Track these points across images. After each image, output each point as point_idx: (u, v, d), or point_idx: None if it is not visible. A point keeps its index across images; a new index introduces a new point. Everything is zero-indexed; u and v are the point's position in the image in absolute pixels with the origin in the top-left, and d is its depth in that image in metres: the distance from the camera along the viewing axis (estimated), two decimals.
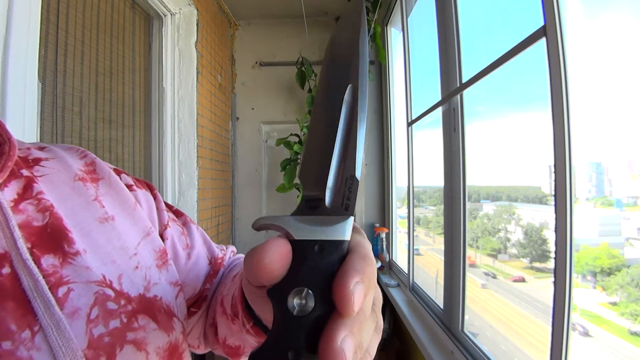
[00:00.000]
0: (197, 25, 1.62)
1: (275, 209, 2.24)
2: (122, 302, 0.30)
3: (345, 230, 0.17)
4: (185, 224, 0.44)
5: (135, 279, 0.32)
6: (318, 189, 0.19)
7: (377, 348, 0.23)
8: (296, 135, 1.92)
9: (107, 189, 0.35)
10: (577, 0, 0.68)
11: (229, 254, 0.48)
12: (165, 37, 1.54)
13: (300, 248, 0.17)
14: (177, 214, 0.45)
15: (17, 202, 0.28)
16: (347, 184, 0.18)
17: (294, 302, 0.16)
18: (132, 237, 0.34)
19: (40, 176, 0.31)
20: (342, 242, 0.17)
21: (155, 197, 0.41)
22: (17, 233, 0.26)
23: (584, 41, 0.67)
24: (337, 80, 0.20)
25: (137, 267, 0.33)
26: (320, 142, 0.20)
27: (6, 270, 0.25)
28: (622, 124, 0.70)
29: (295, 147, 1.86)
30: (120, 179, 0.38)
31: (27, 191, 0.29)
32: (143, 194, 0.39)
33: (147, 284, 0.33)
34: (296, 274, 0.16)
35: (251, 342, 0.34)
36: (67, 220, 0.30)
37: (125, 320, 0.29)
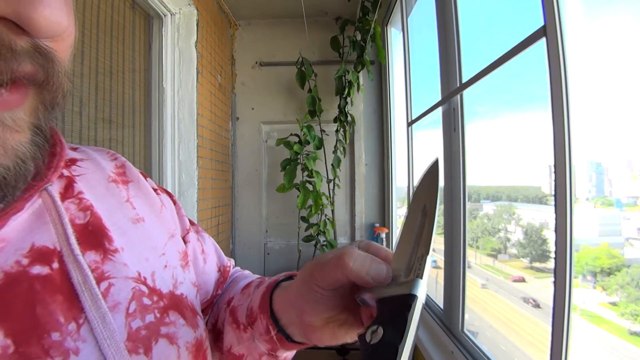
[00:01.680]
0: (197, 25, 1.62)
1: (275, 209, 2.24)
2: (155, 298, 0.32)
3: (411, 287, 0.24)
4: (197, 231, 0.46)
5: (165, 277, 0.34)
6: (401, 268, 0.27)
7: None
8: (296, 135, 1.92)
9: (137, 192, 0.37)
10: (577, 0, 0.68)
11: (232, 264, 0.50)
12: (165, 37, 1.54)
13: (383, 302, 0.25)
14: (190, 222, 0.47)
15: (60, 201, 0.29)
16: (419, 260, 0.26)
17: (368, 334, 0.23)
18: (160, 238, 0.36)
19: (78, 176, 0.32)
20: (409, 295, 0.24)
21: (175, 203, 0.43)
22: (70, 230, 0.28)
23: (584, 41, 0.67)
24: (419, 203, 0.30)
25: (166, 266, 0.35)
26: (407, 238, 0.29)
27: (56, 265, 0.26)
28: (622, 124, 0.70)
29: (295, 147, 1.86)
30: (147, 182, 0.40)
31: (68, 190, 0.30)
32: (165, 198, 0.41)
33: (175, 282, 0.35)
34: (377, 317, 0.24)
35: (261, 349, 0.36)
36: (105, 220, 0.32)
37: (158, 315, 0.31)
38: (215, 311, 0.44)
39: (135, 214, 0.35)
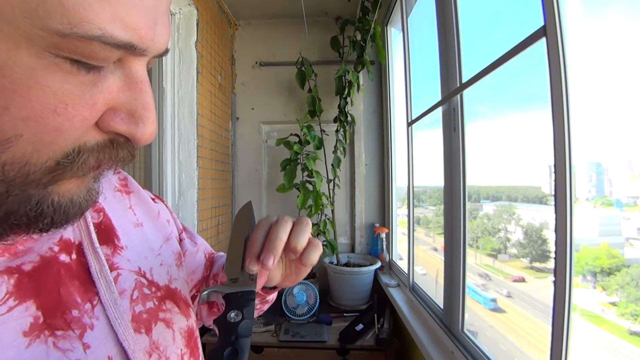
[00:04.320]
0: (197, 25, 1.62)
1: (275, 209, 2.24)
2: (153, 289, 0.38)
3: (252, 287, 0.36)
4: (185, 229, 0.54)
5: (161, 273, 0.40)
6: (237, 275, 0.38)
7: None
8: (296, 135, 1.92)
9: (137, 201, 0.44)
10: (577, 0, 0.68)
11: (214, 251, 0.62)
12: None
13: (230, 295, 0.35)
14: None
15: None
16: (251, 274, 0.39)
17: (232, 315, 0.33)
18: (156, 240, 0.43)
19: None
20: (251, 291, 0.36)
21: (167, 208, 0.50)
22: (92, 227, 0.34)
23: (584, 41, 0.67)
24: (242, 231, 0.43)
25: (161, 264, 0.41)
26: (235, 255, 0.40)
27: (74, 256, 0.32)
28: (622, 124, 0.70)
29: (296, 147, 1.85)
30: (145, 193, 0.46)
31: None
32: (161, 205, 0.48)
33: (170, 278, 0.41)
34: (231, 305, 0.34)
35: None
36: (113, 221, 0.38)
37: (156, 303, 0.37)
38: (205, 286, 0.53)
39: (136, 219, 0.41)
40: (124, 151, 0.26)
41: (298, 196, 1.85)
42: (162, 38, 0.25)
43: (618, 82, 0.70)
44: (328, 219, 1.94)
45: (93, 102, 0.22)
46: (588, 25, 0.70)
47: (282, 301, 1.73)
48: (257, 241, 0.38)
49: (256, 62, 2.24)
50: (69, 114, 0.21)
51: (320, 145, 1.95)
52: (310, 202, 1.87)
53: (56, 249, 0.31)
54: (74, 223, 0.28)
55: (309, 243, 0.39)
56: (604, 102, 0.73)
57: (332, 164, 1.95)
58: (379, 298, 1.73)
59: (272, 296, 0.51)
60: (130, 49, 0.22)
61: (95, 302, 0.31)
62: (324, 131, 1.99)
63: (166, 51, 0.27)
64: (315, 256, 0.39)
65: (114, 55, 0.22)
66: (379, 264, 1.89)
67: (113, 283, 0.33)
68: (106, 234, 0.36)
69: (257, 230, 0.39)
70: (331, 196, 1.97)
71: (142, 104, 0.25)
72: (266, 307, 0.53)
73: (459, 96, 1.08)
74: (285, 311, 1.72)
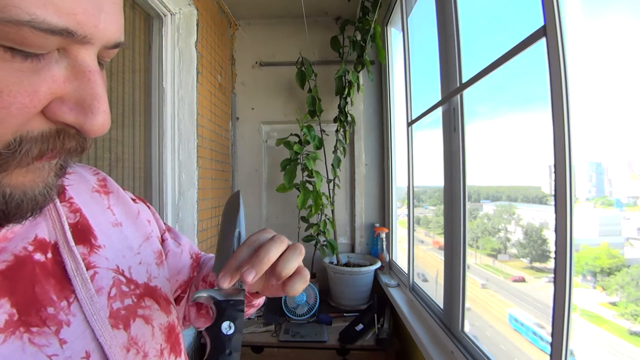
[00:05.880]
0: (197, 25, 1.62)
1: (275, 210, 2.24)
2: (132, 287, 0.38)
3: (240, 296, 0.35)
4: (169, 229, 0.54)
5: (140, 271, 0.41)
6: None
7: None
8: (296, 135, 1.92)
9: (116, 201, 0.44)
10: (577, 0, 0.68)
11: (201, 253, 0.62)
12: (165, 37, 1.54)
13: (223, 303, 0.34)
14: (164, 223, 0.56)
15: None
16: (239, 280, 0.36)
17: (225, 326, 0.33)
18: (136, 240, 0.43)
19: (68, 185, 0.39)
20: (240, 300, 0.35)
21: (149, 208, 0.51)
22: (67, 227, 0.34)
23: (584, 41, 0.67)
24: (231, 228, 0.41)
25: (140, 263, 0.41)
26: (225, 255, 0.38)
27: (49, 255, 0.32)
28: (622, 124, 0.70)
29: (295, 147, 1.85)
30: (125, 193, 0.47)
31: (61, 195, 0.37)
32: (142, 206, 0.49)
33: (149, 276, 0.42)
34: (223, 314, 0.33)
35: None
36: (91, 221, 0.38)
37: (135, 300, 0.38)
38: (194, 289, 0.53)
39: (115, 219, 0.42)
40: (71, 142, 0.26)
41: (298, 196, 1.85)
42: (110, 26, 0.24)
43: (618, 82, 0.70)
44: (328, 219, 1.94)
45: (33, 90, 0.22)
46: (588, 25, 0.70)
47: (282, 301, 1.73)
48: (241, 255, 0.36)
49: (256, 62, 2.24)
50: (4, 101, 0.21)
51: (320, 145, 1.95)
52: (310, 202, 1.87)
53: (30, 248, 0.31)
54: (34, 217, 0.28)
55: (297, 272, 0.36)
56: (604, 102, 0.73)
57: (332, 164, 1.95)
58: (379, 298, 1.73)
59: (258, 301, 0.50)
60: (68, 36, 0.21)
61: (71, 300, 0.31)
62: (324, 131, 1.99)
63: (120, 43, 0.26)
64: (299, 287, 0.36)
65: (50, 42, 0.21)
66: (379, 264, 1.89)
67: (89, 281, 0.33)
68: (83, 233, 0.36)
69: (246, 244, 0.37)
70: (331, 196, 1.97)
71: (91, 94, 0.24)
72: (252, 310, 0.52)
73: (459, 96, 1.08)
74: (285, 311, 1.72)
